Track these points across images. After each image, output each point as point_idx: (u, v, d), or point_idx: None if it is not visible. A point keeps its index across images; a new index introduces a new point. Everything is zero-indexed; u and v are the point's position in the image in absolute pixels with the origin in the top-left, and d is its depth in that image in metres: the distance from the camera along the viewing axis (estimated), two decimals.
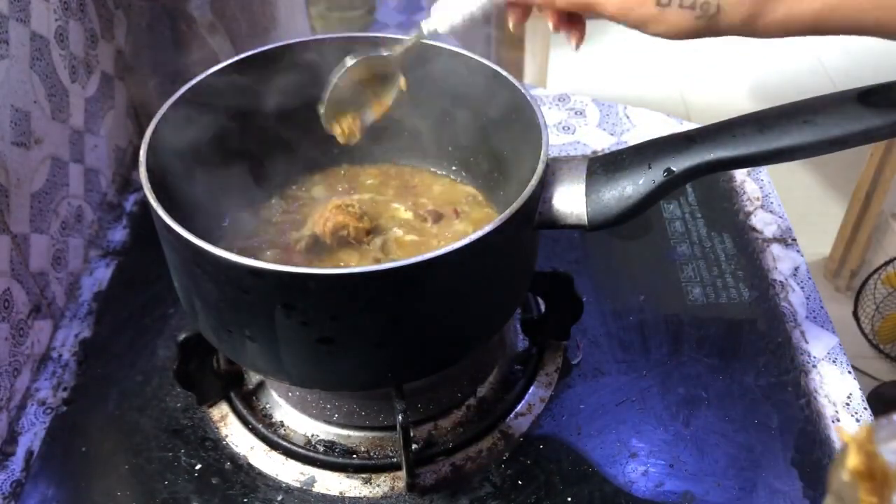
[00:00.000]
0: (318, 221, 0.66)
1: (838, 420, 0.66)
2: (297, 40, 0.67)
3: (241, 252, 0.49)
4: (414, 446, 0.63)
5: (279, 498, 0.62)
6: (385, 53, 0.61)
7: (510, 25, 0.57)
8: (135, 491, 0.62)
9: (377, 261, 0.65)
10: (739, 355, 0.71)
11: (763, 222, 0.85)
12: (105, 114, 0.88)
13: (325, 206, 0.67)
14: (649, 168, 0.54)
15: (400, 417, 0.57)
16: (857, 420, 0.66)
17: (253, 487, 0.62)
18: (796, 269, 0.80)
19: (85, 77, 0.83)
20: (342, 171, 0.75)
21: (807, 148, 0.51)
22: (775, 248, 0.82)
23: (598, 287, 0.78)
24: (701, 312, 0.75)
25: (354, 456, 0.64)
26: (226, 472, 0.64)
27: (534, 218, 0.56)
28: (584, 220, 0.56)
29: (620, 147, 0.95)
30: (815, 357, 0.71)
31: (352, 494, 0.62)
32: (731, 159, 0.53)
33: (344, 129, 0.63)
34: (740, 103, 2.51)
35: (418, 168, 0.75)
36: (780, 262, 0.80)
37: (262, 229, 0.69)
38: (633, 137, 0.97)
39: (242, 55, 0.65)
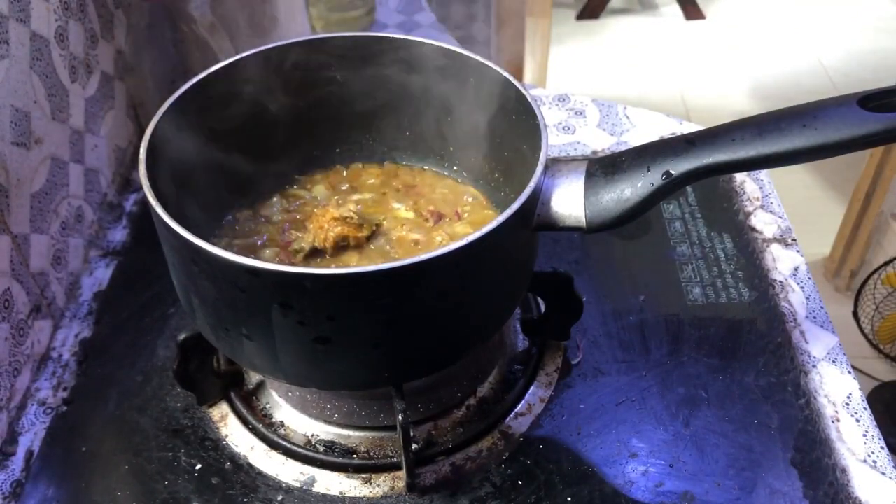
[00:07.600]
0: (317, 233, 0.66)
1: (838, 420, 0.66)
2: (297, 40, 0.67)
3: (241, 250, 0.49)
4: (414, 446, 0.63)
5: (279, 498, 0.62)
6: None
7: None
8: (135, 491, 0.62)
9: (377, 260, 0.65)
10: (739, 355, 0.71)
11: (763, 222, 0.85)
12: (105, 114, 0.88)
13: (322, 214, 0.66)
14: (648, 171, 0.54)
15: (400, 417, 0.57)
16: (857, 420, 0.66)
17: (253, 487, 0.62)
18: (796, 269, 0.80)
19: (85, 77, 0.83)
20: (343, 171, 0.75)
21: (806, 152, 0.51)
22: (775, 248, 0.82)
23: (598, 287, 0.78)
24: (701, 312, 0.75)
25: (354, 456, 0.64)
26: (226, 472, 0.64)
27: (532, 220, 0.56)
28: (583, 222, 0.56)
29: (620, 147, 0.96)
30: (814, 357, 0.71)
31: (352, 494, 0.62)
32: (730, 163, 0.52)
33: None
34: (740, 103, 2.51)
35: (420, 168, 0.75)
36: (780, 262, 0.80)
37: (262, 228, 0.69)
38: (633, 137, 0.97)
39: (242, 55, 0.65)
